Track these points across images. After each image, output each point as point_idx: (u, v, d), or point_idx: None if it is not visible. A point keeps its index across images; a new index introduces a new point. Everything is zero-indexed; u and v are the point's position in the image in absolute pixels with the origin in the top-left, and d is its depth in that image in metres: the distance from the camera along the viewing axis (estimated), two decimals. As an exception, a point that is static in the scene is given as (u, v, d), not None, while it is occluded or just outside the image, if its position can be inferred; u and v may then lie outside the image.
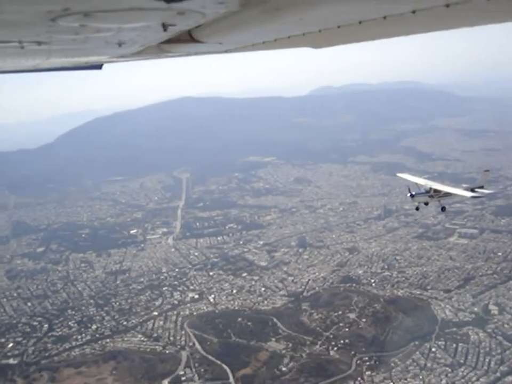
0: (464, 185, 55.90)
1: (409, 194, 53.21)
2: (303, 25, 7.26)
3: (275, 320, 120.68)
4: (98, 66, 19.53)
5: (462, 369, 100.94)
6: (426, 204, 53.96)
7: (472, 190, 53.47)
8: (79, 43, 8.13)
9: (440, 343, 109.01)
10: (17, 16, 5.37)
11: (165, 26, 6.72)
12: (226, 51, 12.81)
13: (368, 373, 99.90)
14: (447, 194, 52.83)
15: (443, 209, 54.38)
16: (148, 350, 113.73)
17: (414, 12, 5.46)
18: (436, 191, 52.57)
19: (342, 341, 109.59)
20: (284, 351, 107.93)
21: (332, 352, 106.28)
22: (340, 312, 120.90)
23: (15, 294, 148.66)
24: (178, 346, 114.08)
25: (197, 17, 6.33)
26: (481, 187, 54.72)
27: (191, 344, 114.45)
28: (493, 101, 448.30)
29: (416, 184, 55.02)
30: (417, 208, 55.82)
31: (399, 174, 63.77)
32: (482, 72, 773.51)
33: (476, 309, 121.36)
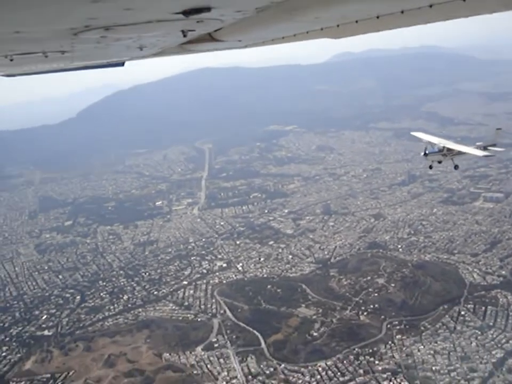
0: (477, 143, 56.39)
1: (422, 153, 54.16)
2: (320, 23, 7.49)
3: (304, 286, 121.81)
4: (121, 64, 20.15)
5: (492, 332, 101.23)
6: (439, 162, 54.76)
7: (485, 148, 54.25)
8: (101, 49, 8.38)
9: (469, 306, 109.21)
10: (40, 34, 5.61)
11: (184, 33, 6.94)
12: (246, 46, 13.04)
13: (398, 336, 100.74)
14: (460, 153, 53.58)
15: (456, 167, 54.90)
16: (180, 318, 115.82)
17: (431, 5, 5.65)
18: (448, 149, 53.36)
19: (371, 306, 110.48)
20: (314, 317, 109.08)
21: (362, 317, 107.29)
22: (369, 278, 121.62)
23: (46, 267, 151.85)
24: (210, 314, 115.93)
25: (216, 23, 6.56)
26: (494, 145, 55.36)
27: (222, 311, 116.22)
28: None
29: (430, 142, 55.70)
30: (430, 167, 56.66)
31: (413, 133, 64.19)
32: (504, 34, 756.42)
33: (503, 272, 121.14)
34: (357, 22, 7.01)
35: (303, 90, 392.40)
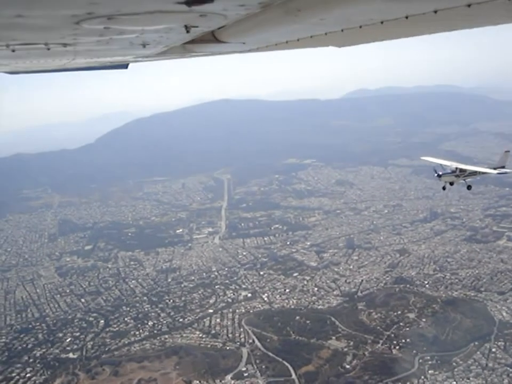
0: (486, 166, 57.29)
1: (436, 175, 54.91)
2: (325, 26, 7.50)
3: (333, 319, 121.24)
4: (124, 66, 20.20)
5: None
6: (451, 184, 55.55)
7: (494, 170, 55.28)
8: (103, 44, 8.38)
9: (499, 343, 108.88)
10: (42, 20, 5.62)
11: (187, 28, 7.00)
12: (249, 50, 13.05)
13: (431, 371, 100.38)
14: (472, 174, 54.25)
15: (469, 187, 55.97)
16: (209, 346, 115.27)
17: (435, 11, 5.68)
18: (461, 170, 54.04)
19: (403, 340, 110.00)
20: (345, 349, 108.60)
21: (394, 351, 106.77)
22: (399, 312, 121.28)
23: (67, 290, 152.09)
24: (238, 343, 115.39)
25: (219, 19, 6.62)
26: (503, 167, 56.02)
27: (250, 341, 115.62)
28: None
29: (441, 165, 56.49)
30: (443, 188, 57.45)
31: (423, 157, 64.90)
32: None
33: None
34: (361, 27, 7.11)
35: (320, 125, 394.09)
